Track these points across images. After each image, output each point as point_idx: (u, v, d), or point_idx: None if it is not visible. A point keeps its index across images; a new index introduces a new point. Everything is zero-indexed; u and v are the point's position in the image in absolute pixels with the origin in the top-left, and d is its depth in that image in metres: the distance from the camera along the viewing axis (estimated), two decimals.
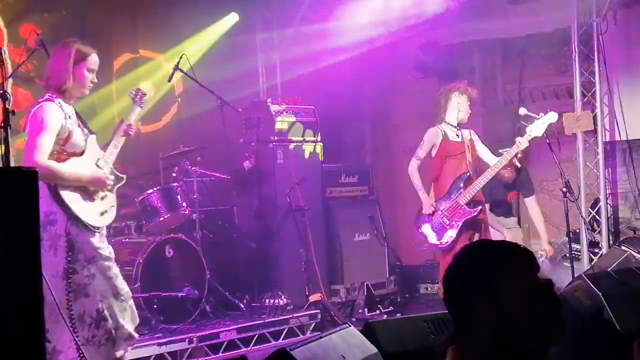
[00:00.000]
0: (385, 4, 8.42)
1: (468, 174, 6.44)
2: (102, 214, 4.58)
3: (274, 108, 7.62)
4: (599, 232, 7.96)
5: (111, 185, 4.64)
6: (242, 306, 6.94)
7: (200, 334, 6.23)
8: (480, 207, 6.40)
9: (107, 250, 4.58)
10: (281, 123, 7.63)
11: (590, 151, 8.00)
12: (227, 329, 6.43)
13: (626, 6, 7.98)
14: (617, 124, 7.90)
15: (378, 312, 7.76)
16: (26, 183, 2.52)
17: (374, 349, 3.54)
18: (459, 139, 6.51)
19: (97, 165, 4.59)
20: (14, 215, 2.45)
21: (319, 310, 7.11)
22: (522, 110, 6.52)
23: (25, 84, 6.90)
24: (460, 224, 6.33)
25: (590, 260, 7.55)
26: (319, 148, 7.92)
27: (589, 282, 4.85)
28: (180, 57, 6.64)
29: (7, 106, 3.62)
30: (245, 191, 7.59)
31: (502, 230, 7.25)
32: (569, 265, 6.38)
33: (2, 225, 2.41)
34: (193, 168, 6.97)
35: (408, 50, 9.26)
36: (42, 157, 4.31)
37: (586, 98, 7.97)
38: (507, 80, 9.27)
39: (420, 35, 8.85)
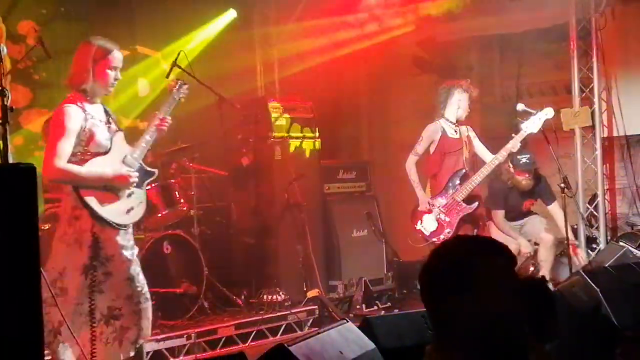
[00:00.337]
0: None
1: (464, 170, 6.46)
2: (128, 211, 4.51)
3: (271, 104, 7.62)
4: (597, 227, 7.98)
5: (136, 182, 4.54)
6: (240, 302, 6.95)
7: (198, 330, 6.22)
8: (477, 202, 6.42)
9: (129, 249, 4.50)
10: (279, 119, 7.62)
11: (588, 147, 8.01)
12: (225, 325, 6.43)
13: (624, 2, 7.98)
14: (615, 120, 7.92)
15: (376, 308, 7.77)
16: (24, 179, 2.52)
17: (372, 345, 3.54)
18: (457, 135, 6.52)
19: (124, 162, 4.52)
20: (12, 212, 2.45)
21: (316, 306, 7.11)
22: (520, 106, 6.53)
23: (23, 81, 6.90)
24: (457, 220, 6.35)
25: (588, 255, 7.56)
26: (316, 144, 7.91)
27: (586, 277, 4.86)
28: (179, 54, 6.63)
29: (5, 103, 3.61)
30: (243, 187, 7.59)
31: (515, 236, 7.15)
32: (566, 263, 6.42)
33: (0, 223, 2.41)
34: (191, 164, 6.97)
35: (406, 46, 9.25)
36: (61, 162, 4.26)
37: (584, 94, 7.98)
38: (505, 76, 9.27)
39: (418, 31, 8.84)
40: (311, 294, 7.19)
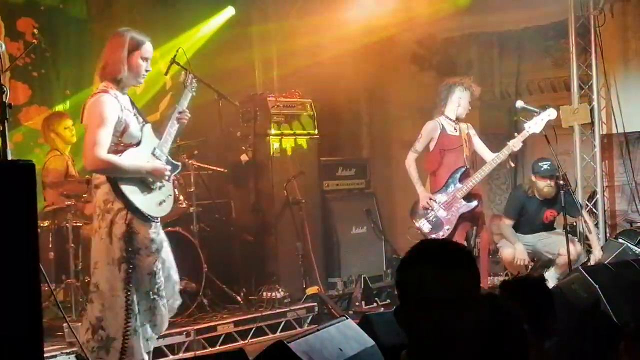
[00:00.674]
0: None
1: (464, 167, 6.45)
2: (160, 203, 4.53)
3: (270, 101, 7.61)
4: (596, 224, 7.97)
5: (169, 175, 4.58)
6: (240, 299, 6.94)
7: (198, 327, 6.23)
8: (476, 201, 6.42)
9: (158, 243, 4.50)
10: (278, 116, 7.61)
11: (587, 144, 8.01)
12: (224, 322, 6.44)
13: None
14: (614, 117, 7.92)
15: (375, 304, 7.76)
16: (24, 176, 2.52)
17: (371, 342, 3.55)
18: (457, 133, 6.51)
19: (154, 155, 4.53)
20: (12, 209, 2.45)
21: (316, 303, 7.12)
22: (519, 103, 6.53)
23: (22, 78, 6.89)
24: (456, 217, 6.36)
25: (587, 252, 7.57)
26: (315, 141, 7.91)
27: (585, 274, 4.87)
28: (177, 51, 6.63)
29: (4, 100, 3.60)
30: (242, 184, 7.59)
31: (514, 241, 7.01)
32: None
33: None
34: (190, 161, 6.95)
35: (405, 44, 9.24)
36: (102, 151, 4.25)
37: (583, 91, 7.98)
38: (504, 73, 9.26)
39: (417, 28, 8.84)
40: (310, 291, 7.20)
